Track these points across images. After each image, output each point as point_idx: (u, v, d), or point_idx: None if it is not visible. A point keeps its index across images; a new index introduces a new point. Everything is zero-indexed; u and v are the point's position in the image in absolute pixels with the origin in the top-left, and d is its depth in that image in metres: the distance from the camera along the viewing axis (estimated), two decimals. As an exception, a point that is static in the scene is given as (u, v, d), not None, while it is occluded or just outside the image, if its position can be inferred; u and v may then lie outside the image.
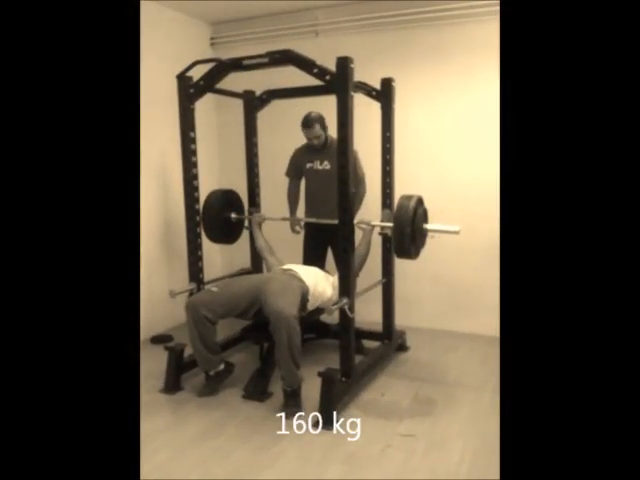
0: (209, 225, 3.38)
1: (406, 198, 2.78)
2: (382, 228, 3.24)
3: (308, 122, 3.43)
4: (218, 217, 3.42)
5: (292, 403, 2.73)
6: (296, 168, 3.74)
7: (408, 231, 2.68)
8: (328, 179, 3.43)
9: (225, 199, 3.50)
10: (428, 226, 2.86)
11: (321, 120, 3.44)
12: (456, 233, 2.75)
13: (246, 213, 3.67)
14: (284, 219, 3.65)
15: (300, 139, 3.62)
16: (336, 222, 2.79)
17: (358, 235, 2.92)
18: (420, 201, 2.83)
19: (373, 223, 3.09)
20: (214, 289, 2.96)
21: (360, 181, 3.53)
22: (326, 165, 3.55)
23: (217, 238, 3.51)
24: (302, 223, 3.80)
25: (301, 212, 3.82)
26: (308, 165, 3.63)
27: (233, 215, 3.53)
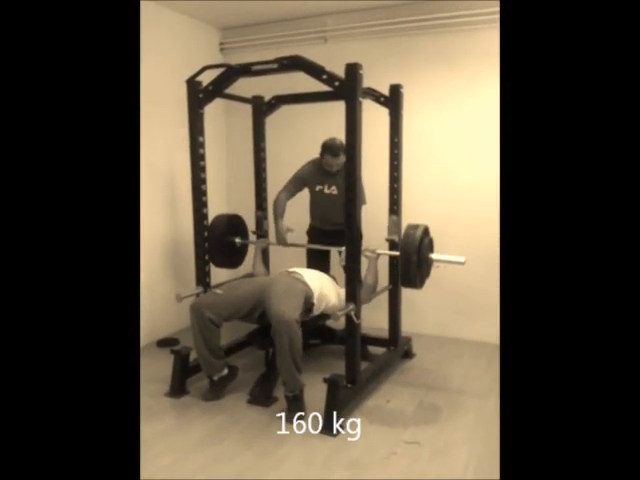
0: (213, 249, 3.33)
1: (412, 227, 2.81)
2: (388, 232, 3.26)
3: (336, 151, 3.31)
4: (222, 242, 3.42)
5: (295, 409, 2.72)
6: (301, 186, 3.61)
7: (414, 259, 2.69)
8: (334, 203, 3.46)
9: (230, 224, 3.51)
10: (434, 256, 2.86)
11: (344, 148, 3.19)
12: (461, 264, 2.76)
13: (254, 215, 3.71)
14: (290, 245, 3.49)
15: (307, 144, 3.63)
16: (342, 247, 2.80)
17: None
18: (426, 231, 2.85)
19: (378, 251, 3.09)
20: (218, 291, 2.97)
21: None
22: (334, 190, 3.51)
23: (221, 262, 3.48)
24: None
25: (300, 236, 3.80)
26: (317, 187, 3.56)
27: (237, 240, 3.53)
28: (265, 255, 3.67)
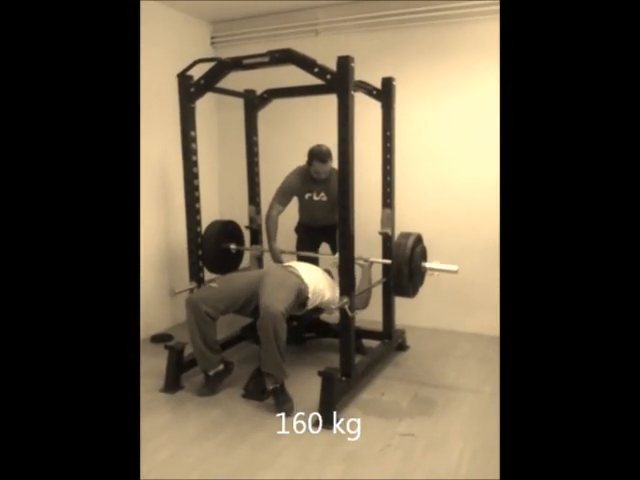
0: (207, 255, 3.32)
1: (404, 236, 2.81)
2: (382, 226, 3.27)
3: (324, 157, 3.29)
4: (217, 248, 3.41)
5: (283, 399, 2.73)
6: (290, 196, 3.60)
7: (406, 271, 2.71)
8: (324, 208, 3.49)
9: (225, 230, 3.50)
10: (427, 264, 2.87)
11: (331, 154, 3.29)
12: (454, 272, 2.77)
13: (247, 209, 3.72)
14: (284, 252, 3.53)
15: (299, 138, 3.62)
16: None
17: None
18: (419, 239, 2.85)
19: (371, 260, 3.09)
20: (214, 285, 2.97)
21: None
22: (323, 197, 3.51)
23: (215, 268, 3.46)
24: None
25: (289, 234, 3.80)
26: (307, 195, 3.56)
27: (232, 246, 3.53)
28: (260, 261, 3.67)
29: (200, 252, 3.23)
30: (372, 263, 3.12)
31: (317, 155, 3.33)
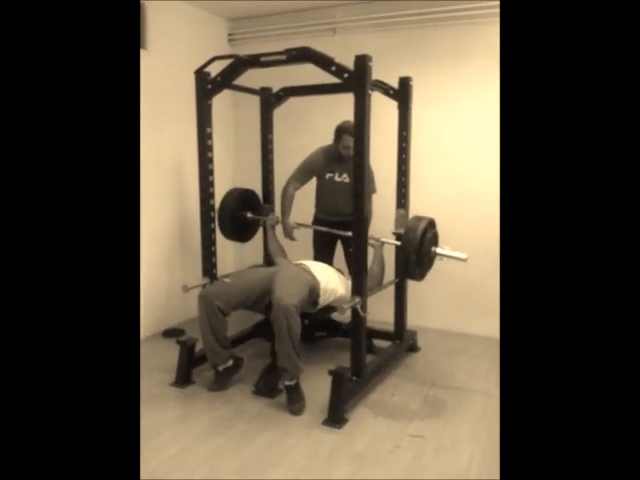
0: (224, 222, 3.41)
1: (417, 219, 2.81)
2: (395, 226, 3.25)
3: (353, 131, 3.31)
4: (234, 215, 3.45)
5: (297, 398, 2.73)
6: (310, 175, 3.56)
7: (414, 253, 2.70)
8: (344, 191, 3.41)
9: (243, 198, 3.52)
10: (437, 250, 2.86)
11: None
12: (463, 261, 2.78)
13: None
14: (299, 224, 3.55)
15: (315, 137, 3.61)
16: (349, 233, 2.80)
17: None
18: (431, 224, 2.83)
19: (383, 240, 3.10)
20: (227, 280, 2.99)
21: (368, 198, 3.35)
22: (345, 178, 3.47)
23: (231, 235, 3.54)
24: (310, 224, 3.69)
25: (302, 216, 3.78)
26: (328, 175, 3.51)
27: (249, 214, 3.54)
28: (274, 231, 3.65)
29: (213, 248, 3.25)
30: (384, 243, 3.13)
31: (346, 129, 3.29)
